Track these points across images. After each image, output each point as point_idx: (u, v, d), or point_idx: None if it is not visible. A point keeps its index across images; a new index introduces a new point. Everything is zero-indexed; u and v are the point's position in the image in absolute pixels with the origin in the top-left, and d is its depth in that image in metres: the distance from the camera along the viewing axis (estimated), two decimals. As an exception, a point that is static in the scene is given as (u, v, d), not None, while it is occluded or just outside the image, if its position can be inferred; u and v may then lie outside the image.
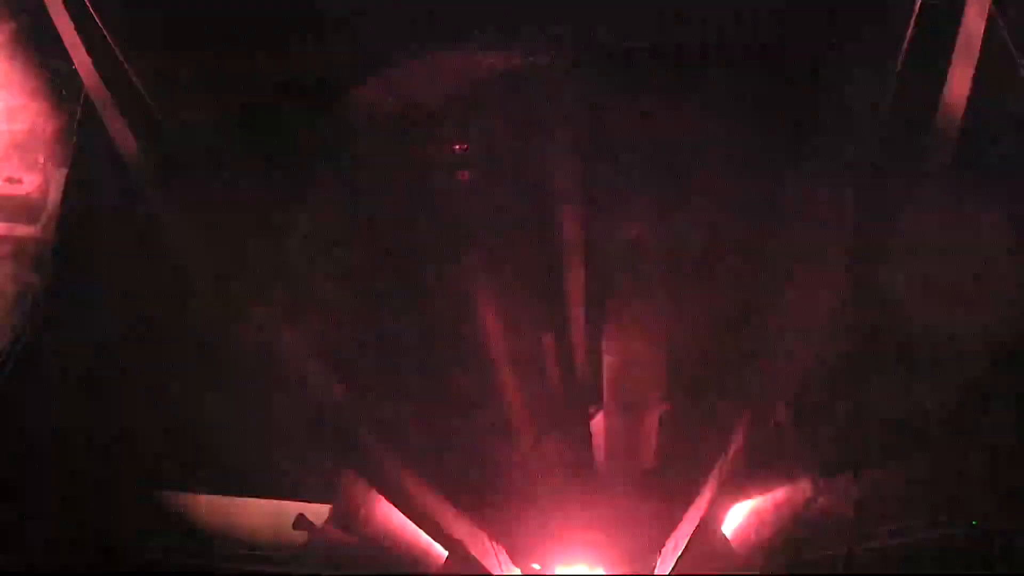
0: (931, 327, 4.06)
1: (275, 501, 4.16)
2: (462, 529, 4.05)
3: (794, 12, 4.08)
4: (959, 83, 3.98)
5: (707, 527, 3.98)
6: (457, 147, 4.34)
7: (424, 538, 4.04)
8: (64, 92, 5.36)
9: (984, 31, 4.02)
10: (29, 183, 5.10)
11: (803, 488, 3.87)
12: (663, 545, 3.90)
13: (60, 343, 4.41)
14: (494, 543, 4.01)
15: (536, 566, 3.92)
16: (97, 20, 3.98)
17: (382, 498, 4.01)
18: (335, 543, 3.94)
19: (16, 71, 5.23)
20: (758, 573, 3.93)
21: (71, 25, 4.07)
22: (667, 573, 3.86)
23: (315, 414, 4.08)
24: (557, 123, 4.19)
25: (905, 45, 3.93)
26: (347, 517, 3.93)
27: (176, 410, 4.16)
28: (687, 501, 4.02)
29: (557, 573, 3.90)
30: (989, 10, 4.08)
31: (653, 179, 4.23)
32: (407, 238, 4.25)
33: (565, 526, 3.96)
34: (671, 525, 3.97)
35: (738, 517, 3.99)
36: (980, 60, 3.98)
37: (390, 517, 4.02)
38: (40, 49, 5.27)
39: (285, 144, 4.32)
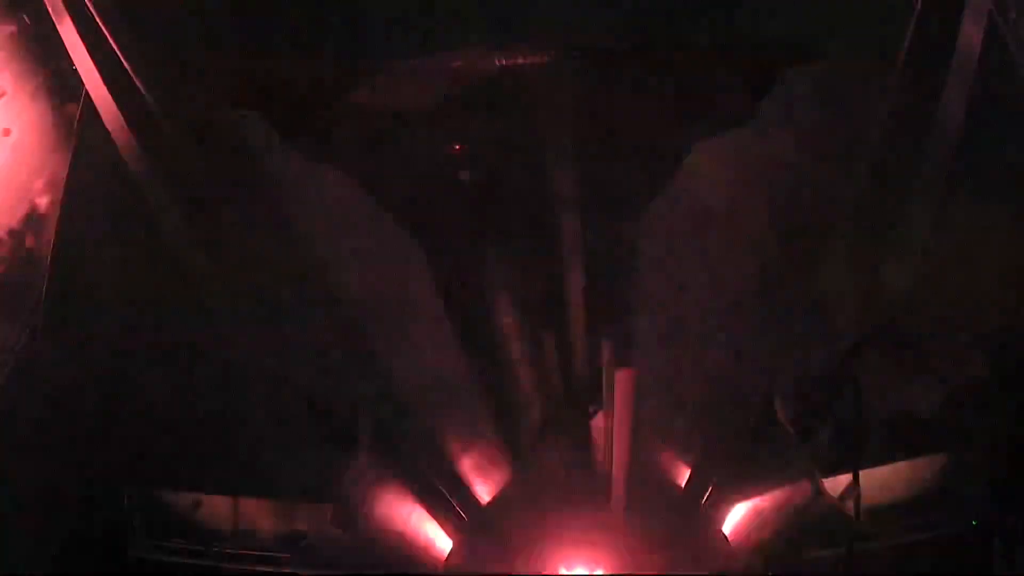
0: (931, 327, 4.06)
1: (275, 501, 4.16)
2: (462, 529, 4.04)
3: (791, 10, 4.08)
4: (959, 84, 3.98)
5: (707, 527, 3.97)
6: (458, 147, 4.34)
7: (424, 538, 4.04)
8: (64, 92, 5.37)
9: (984, 31, 4.02)
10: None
11: (803, 488, 3.87)
12: (663, 544, 3.90)
13: (60, 343, 4.41)
14: (494, 543, 4.01)
15: (537, 566, 3.91)
16: (98, 20, 3.98)
17: (382, 498, 4.01)
18: (335, 543, 3.94)
19: (16, 71, 5.23)
20: (758, 573, 3.92)
21: (71, 25, 4.07)
22: (667, 573, 3.86)
23: (315, 413, 4.08)
24: (554, 123, 4.20)
25: (905, 45, 3.94)
26: (347, 517, 3.93)
27: (176, 410, 4.16)
28: (688, 501, 4.01)
29: (557, 573, 3.89)
30: (989, 10, 4.08)
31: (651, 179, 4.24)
32: (407, 237, 4.25)
33: (565, 526, 3.95)
34: (671, 524, 3.96)
35: (738, 517, 3.99)
36: (980, 60, 3.99)
37: (390, 517, 4.01)
38: (40, 49, 5.27)
39: (285, 143, 4.32)
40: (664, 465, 4.05)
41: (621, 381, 3.42)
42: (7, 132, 5.06)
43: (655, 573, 3.81)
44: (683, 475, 4.05)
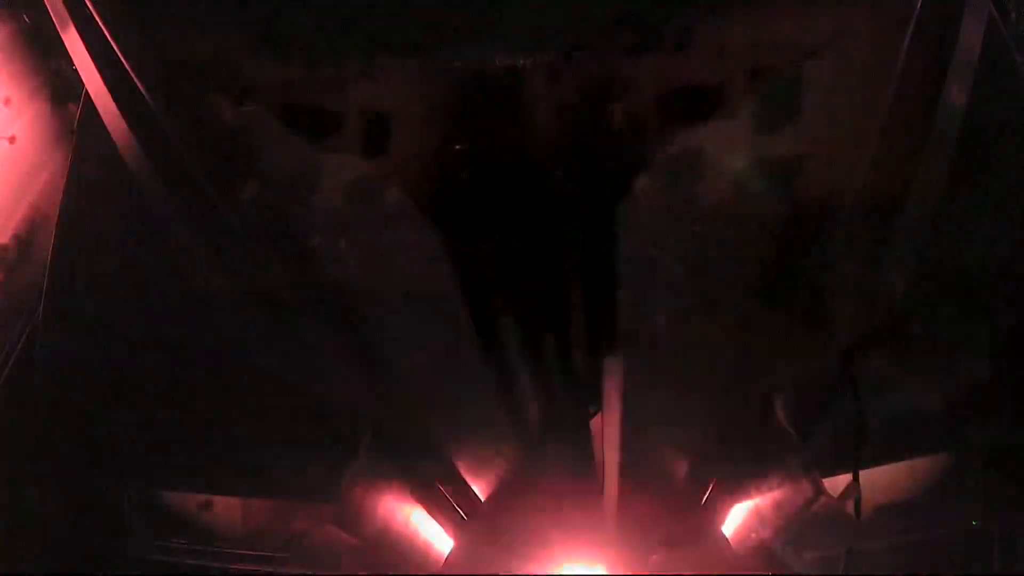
0: (931, 327, 4.06)
1: (275, 501, 4.17)
2: (462, 529, 4.05)
3: (792, 10, 4.08)
4: (959, 84, 3.98)
5: (707, 527, 3.97)
6: (458, 147, 4.33)
7: (424, 538, 4.04)
8: (64, 92, 5.37)
9: (984, 31, 4.02)
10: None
11: (803, 488, 3.87)
12: (663, 545, 3.90)
13: (60, 343, 4.42)
14: (494, 543, 4.01)
15: (536, 566, 3.91)
16: (98, 20, 3.98)
17: (382, 498, 4.01)
18: (335, 543, 3.94)
19: (16, 71, 5.24)
20: (758, 573, 3.92)
21: (71, 25, 4.07)
22: (667, 573, 3.86)
23: (315, 413, 4.08)
24: (554, 123, 4.19)
25: (905, 45, 3.94)
26: (347, 517, 3.93)
27: (176, 410, 4.16)
28: (688, 501, 4.01)
29: (556, 573, 3.89)
30: (989, 10, 4.09)
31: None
32: (406, 237, 4.26)
33: (565, 526, 3.95)
34: (671, 525, 3.96)
35: (738, 517, 3.99)
36: (980, 60, 3.98)
37: (390, 517, 4.01)
38: (40, 49, 5.28)
39: (286, 142, 4.32)
40: (664, 464, 4.05)
41: (609, 368, 3.41)
42: (13, 140, 5.06)
43: (655, 573, 3.81)
44: (683, 475, 4.05)
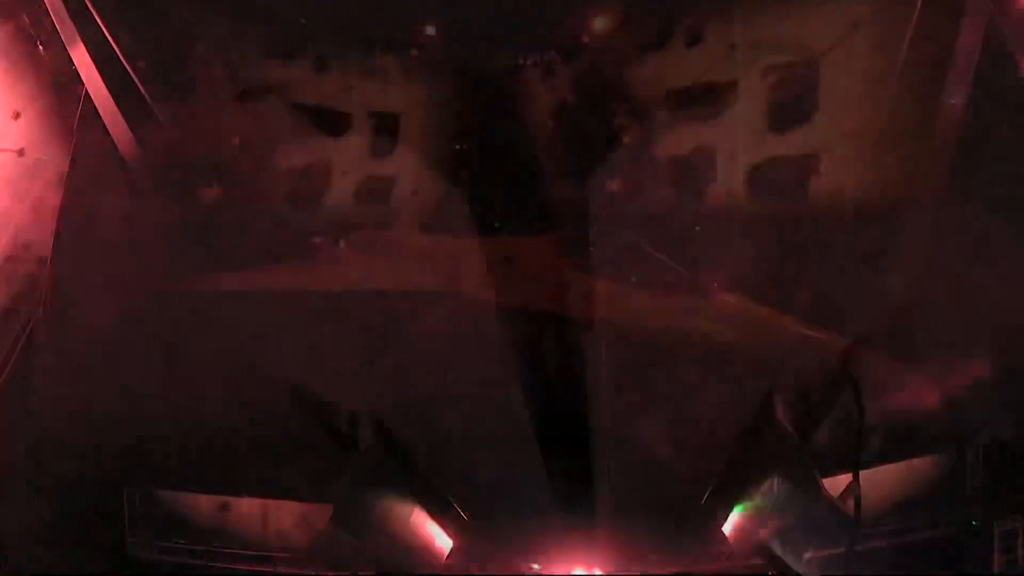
0: (931, 327, 4.06)
1: (275, 501, 4.16)
2: (462, 529, 4.05)
3: (793, 10, 4.09)
4: (959, 84, 3.98)
5: (707, 527, 3.98)
6: (458, 147, 4.34)
7: (424, 538, 4.04)
8: (64, 92, 5.35)
9: (984, 31, 4.02)
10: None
11: (803, 488, 3.87)
12: (663, 545, 3.91)
13: (59, 343, 4.42)
14: (494, 543, 4.01)
15: (536, 566, 3.92)
16: (98, 20, 3.99)
17: (382, 498, 4.02)
18: (335, 543, 3.94)
19: (18, 77, 5.22)
20: (758, 573, 3.92)
21: (71, 25, 4.07)
22: (667, 573, 3.86)
23: (315, 413, 4.08)
24: (553, 123, 4.20)
25: (905, 44, 3.94)
26: (347, 517, 3.94)
27: (176, 410, 4.16)
28: (688, 501, 4.02)
29: (556, 573, 3.90)
30: (989, 10, 4.09)
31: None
32: (407, 237, 4.26)
33: (565, 526, 3.95)
34: (671, 525, 3.96)
35: (738, 517, 3.99)
36: (980, 60, 3.99)
37: (390, 517, 4.02)
38: (40, 49, 5.26)
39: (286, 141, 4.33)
40: (664, 465, 4.05)
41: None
42: (21, 152, 5.04)
43: (655, 573, 3.81)
44: (683, 475, 4.05)
